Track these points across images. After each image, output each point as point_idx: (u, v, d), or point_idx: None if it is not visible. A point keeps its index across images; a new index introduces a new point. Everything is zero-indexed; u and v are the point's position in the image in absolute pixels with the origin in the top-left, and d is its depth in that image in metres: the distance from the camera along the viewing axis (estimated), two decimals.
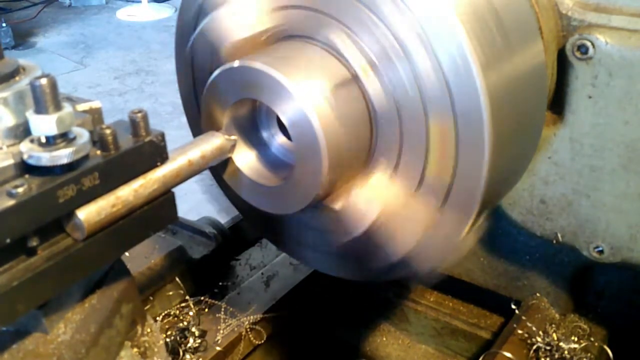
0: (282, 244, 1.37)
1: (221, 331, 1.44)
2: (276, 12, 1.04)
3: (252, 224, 1.45)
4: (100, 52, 5.97)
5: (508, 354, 1.28)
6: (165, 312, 1.48)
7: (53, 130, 0.67)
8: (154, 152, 0.78)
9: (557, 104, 1.15)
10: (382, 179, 1.02)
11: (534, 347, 1.32)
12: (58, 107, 0.67)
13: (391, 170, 1.01)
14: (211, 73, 1.02)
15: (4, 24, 5.94)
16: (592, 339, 1.36)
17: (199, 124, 1.09)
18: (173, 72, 1.29)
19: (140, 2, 7.11)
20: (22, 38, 6.29)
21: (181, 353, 1.37)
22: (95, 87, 5.15)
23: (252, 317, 1.47)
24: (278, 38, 1.05)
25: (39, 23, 6.80)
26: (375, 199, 1.03)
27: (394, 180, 1.01)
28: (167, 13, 6.89)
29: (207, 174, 1.10)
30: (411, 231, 1.03)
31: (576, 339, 1.35)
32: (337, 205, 1.05)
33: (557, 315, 1.42)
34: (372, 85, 0.97)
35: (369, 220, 1.04)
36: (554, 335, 1.35)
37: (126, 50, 5.98)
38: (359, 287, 1.67)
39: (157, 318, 1.45)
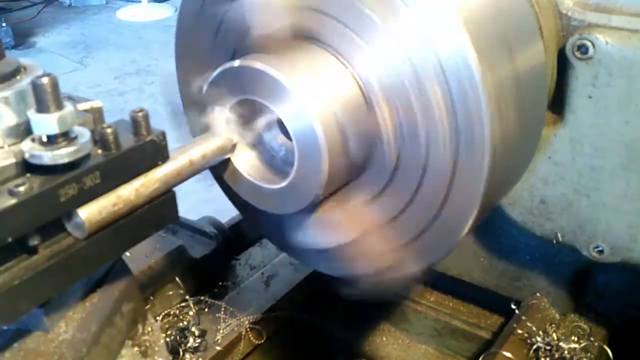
0: (282, 244, 1.37)
1: (221, 331, 1.44)
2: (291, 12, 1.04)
3: (252, 223, 1.45)
4: (100, 52, 5.98)
5: (508, 354, 1.28)
6: (166, 311, 1.48)
7: (54, 130, 0.68)
8: (155, 152, 0.78)
9: (557, 104, 1.15)
10: (382, 178, 1.03)
11: (534, 347, 1.32)
12: (59, 106, 0.68)
13: (391, 169, 1.02)
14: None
15: (4, 24, 5.95)
16: (592, 339, 1.36)
17: (199, 124, 1.09)
18: (173, 72, 1.29)
19: (140, 2, 7.12)
20: (22, 38, 6.29)
21: (181, 353, 1.37)
22: (95, 87, 5.16)
23: (252, 317, 1.47)
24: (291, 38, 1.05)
25: (39, 23, 6.80)
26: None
27: (395, 178, 1.02)
28: (167, 13, 6.90)
29: (207, 173, 1.10)
30: (411, 229, 1.04)
31: (576, 339, 1.35)
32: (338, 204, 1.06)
33: (557, 315, 1.42)
34: (371, 82, 0.97)
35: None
36: (554, 335, 1.35)
37: (126, 50, 5.98)
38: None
39: (157, 318, 1.46)
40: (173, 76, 1.30)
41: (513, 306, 1.42)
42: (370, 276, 1.14)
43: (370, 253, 1.09)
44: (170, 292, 1.51)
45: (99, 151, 0.73)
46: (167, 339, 1.37)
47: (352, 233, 1.10)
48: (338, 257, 1.16)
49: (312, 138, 0.93)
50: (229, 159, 1.05)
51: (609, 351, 1.33)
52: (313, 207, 1.05)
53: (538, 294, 1.43)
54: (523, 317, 1.38)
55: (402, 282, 1.53)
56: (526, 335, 1.34)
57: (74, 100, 0.80)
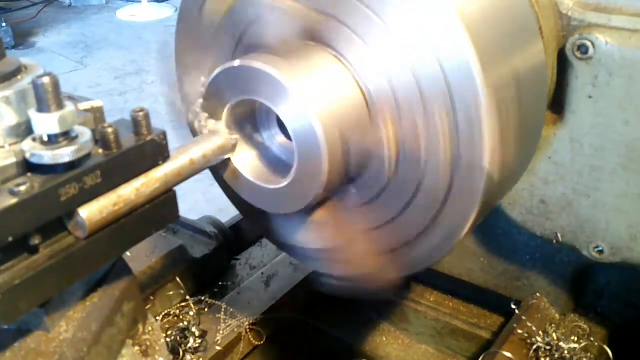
0: (282, 244, 1.37)
1: (221, 331, 1.44)
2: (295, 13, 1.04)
3: (252, 223, 1.45)
4: (100, 52, 5.98)
5: (508, 354, 1.28)
6: (166, 311, 1.48)
7: (55, 129, 0.68)
8: (156, 151, 0.78)
9: (557, 104, 1.15)
10: (382, 176, 1.03)
11: (534, 347, 1.32)
12: (60, 105, 0.68)
13: (392, 167, 1.02)
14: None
15: (4, 24, 5.95)
16: (592, 339, 1.36)
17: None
18: (173, 72, 1.29)
19: (140, 2, 7.12)
20: (22, 38, 6.30)
21: (181, 353, 1.37)
22: (95, 87, 5.16)
23: (252, 317, 1.47)
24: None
25: (39, 23, 6.80)
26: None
27: (395, 176, 1.02)
28: (167, 13, 6.90)
29: (207, 173, 1.11)
30: (413, 227, 1.04)
31: (576, 339, 1.35)
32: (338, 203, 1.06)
33: (557, 315, 1.42)
34: (371, 82, 0.97)
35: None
36: (554, 335, 1.35)
37: (126, 50, 5.98)
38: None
39: (158, 317, 1.46)
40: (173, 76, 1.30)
41: (513, 306, 1.43)
42: (365, 278, 1.15)
43: (362, 256, 1.09)
44: (171, 292, 1.51)
45: (100, 151, 0.73)
46: (168, 339, 1.37)
47: (343, 235, 1.10)
48: (333, 258, 1.17)
49: (312, 138, 0.93)
50: (229, 159, 1.05)
51: (609, 351, 1.33)
52: (310, 207, 1.05)
53: (538, 294, 1.43)
54: (523, 317, 1.38)
55: (399, 284, 1.54)
56: (526, 335, 1.34)
57: (74, 100, 0.80)
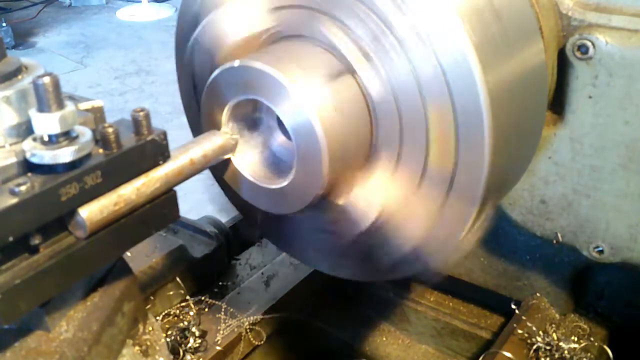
0: (282, 244, 1.37)
1: (221, 331, 1.44)
2: (272, 13, 1.05)
3: (252, 223, 1.45)
4: (100, 52, 5.98)
5: (508, 354, 1.28)
6: (166, 311, 1.48)
7: (56, 129, 0.68)
8: (156, 151, 0.78)
9: (558, 104, 1.15)
10: (383, 175, 1.03)
11: (534, 347, 1.32)
12: (61, 105, 0.68)
13: (392, 166, 1.02)
14: (211, 73, 1.02)
15: (4, 24, 5.94)
16: (592, 339, 1.37)
17: (200, 124, 1.09)
18: (173, 72, 1.29)
19: (140, 2, 7.11)
20: (22, 38, 6.29)
21: (181, 353, 1.37)
22: (95, 86, 5.16)
23: (252, 317, 1.48)
24: (276, 38, 1.06)
25: (39, 23, 6.80)
26: (377, 195, 1.03)
27: (396, 175, 1.02)
28: (167, 13, 6.90)
29: (207, 173, 1.11)
30: (414, 226, 1.03)
31: (576, 339, 1.35)
32: (339, 203, 1.06)
33: (557, 315, 1.42)
34: (371, 82, 0.97)
35: (371, 217, 1.04)
36: (554, 335, 1.35)
37: (126, 50, 5.98)
38: (359, 286, 1.67)
39: (158, 317, 1.46)
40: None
41: (513, 306, 1.43)
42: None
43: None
44: (171, 292, 1.51)
45: (100, 150, 0.73)
46: (168, 339, 1.37)
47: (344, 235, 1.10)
48: (333, 258, 1.17)
49: (312, 138, 0.93)
50: (229, 159, 1.05)
51: (609, 351, 1.33)
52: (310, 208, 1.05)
53: (538, 294, 1.43)
54: (523, 317, 1.38)
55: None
56: (526, 335, 1.34)
57: (75, 99, 0.80)
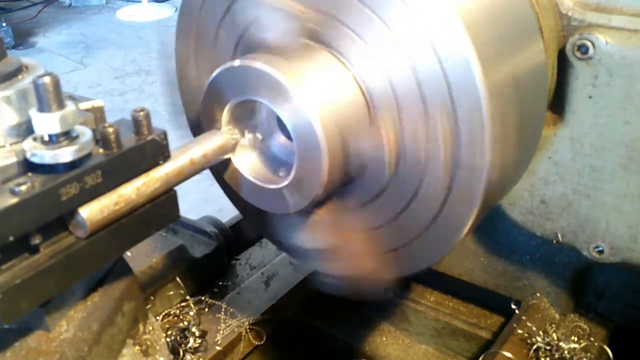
0: (282, 244, 1.37)
1: (221, 331, 1.44)
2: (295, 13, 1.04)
3: (252, 223, 1.45)
4: (100, 52, 5.98)
5: (508, 354, 1.28)
6: (166, 311, 1.48)
7: (56, 129, 0.68)
8: (156, 151, 0.78)
9: (558, 104, 1.15)
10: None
11: (534, 347, 1.32)
12: (61, 105, 0.68)
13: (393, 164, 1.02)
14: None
15: (4, 24, 5.95)
16: (592, 339, 1.36)
17: (200, 124, 1.09)
18: (173, 72, 1.29)
19: (140, 2, 7.12)
20: (22, 38, 6.30)
21: (181, 353, 1.37)
22: (95, 86, 5.16)
23: (252, 317, 1.48)
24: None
25: (39, 23, 6.80)
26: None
27: (396, 174, 1.02)
28: (167, 13, 6.90)
29: (207, 173, 1.11)
30: (414, 227, 1.04)
31: (576, 339, 1.35)
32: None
33: (557, 315, 1.42)
34: (371, 81, 0.97)
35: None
36: (554, 335, 1.35)
37: (126, 50, 5.98)
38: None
39: (158, 317, 1.46)
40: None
41: (513, 306, 1.43)
42: (364, 277, 1.15)
43: (361, 256, 1.10)
44: (171, 292, 1.51)
45: (101, 150, 0.73)
46: (167, 339, 1.37)
47: (343, 235, 1.10)
48: (333, 258, 1.17)
49: (312, 138, 0.93)
50: (229, 159, 1.05)
51: (609, 351, 1.33)
52: (310, 207, 1.05)
53: (538, 294, 1.43)
54: (523, 317, 1.38)
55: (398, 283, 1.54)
56: (526, 335, 1.34)
57: (75, 99, 0.80)
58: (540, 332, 1.34)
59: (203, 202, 2.32)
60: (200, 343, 1.40)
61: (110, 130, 0.72)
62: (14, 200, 0.64)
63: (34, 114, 0.68)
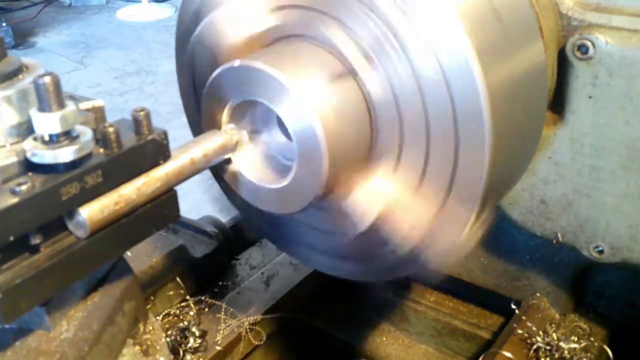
0: (283, 244, 1.37)
1: (221, 331, 1.44)
2: (273, 13, 1.05)
3: (252, 223, 1.45)
4: (100, 52, 5.98)
5: (508, 354, 1.28)
6: (166, 311, 1.48)
7: (56, 128, 0.68)
8: (157, 151, 0.78)
9: (558, 104, 1.15)
10: (383, 176, 1.03)
11: (534, 347, 1.32)
12: (61, 105, 0.68)
13: (392, 166, 1.02)
14: (211, 73, 1.02)
15: (4, 24, 5.95)
16: (592, 339, 1.36)
17: (200, 124, 1.09)
18: (173, 72, 1.29)
19: (140, 2, 7.12)
20: (22, 38, 6.29)
21: (181, 353, 1.37)
22: (95, 86, 5.16)
23: (252, 317, 1.48)
24: (276, 38, 1.06)
25: (39, 23, 6.80)
26: (377, 195, 1.03)
27: (396, 176, 1.02)
28: (167, 13, 6.90)
29: (207, 173, 1.11)
30: (414, 227, 1.04)
31: (576, 339, 1.35)
32: (339, 203, 1.06)
33: (557, 315, 1.42)
34: (371, 82, 0.97)
35: (371, 217, 1.04)
36: (554, 335, 1.35)
37: (126, 50, 5.98)
38: (358, 286, 1.67)
39: (158, 317, 1.46)
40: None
41: (513, 306, 1.43)
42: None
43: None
44: (171, 292, 1.51)
45: (101, 150, 0.73)
46: (168, 339, 1.37)
47: (344, 235, 1.10)
48: (333, 258, 1.17)
49: (313, 138, 0.93)
50: (229, 159, 1.05)
51: (609, 351, 1.33)
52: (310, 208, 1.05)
53: (538, 294, 1.43)
54: (523, 317, 1.38)
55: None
56: (526, 335, 1.34)
57: (75, 99, 0.80)
58: (540, 332, 1.34)
59: (204, 202, 2.32)
60: (200, 343, 1.40)
61: (111, 130, 0.72)
62: (15, 200, 0.64)
63: (34, 113, 0.68)
